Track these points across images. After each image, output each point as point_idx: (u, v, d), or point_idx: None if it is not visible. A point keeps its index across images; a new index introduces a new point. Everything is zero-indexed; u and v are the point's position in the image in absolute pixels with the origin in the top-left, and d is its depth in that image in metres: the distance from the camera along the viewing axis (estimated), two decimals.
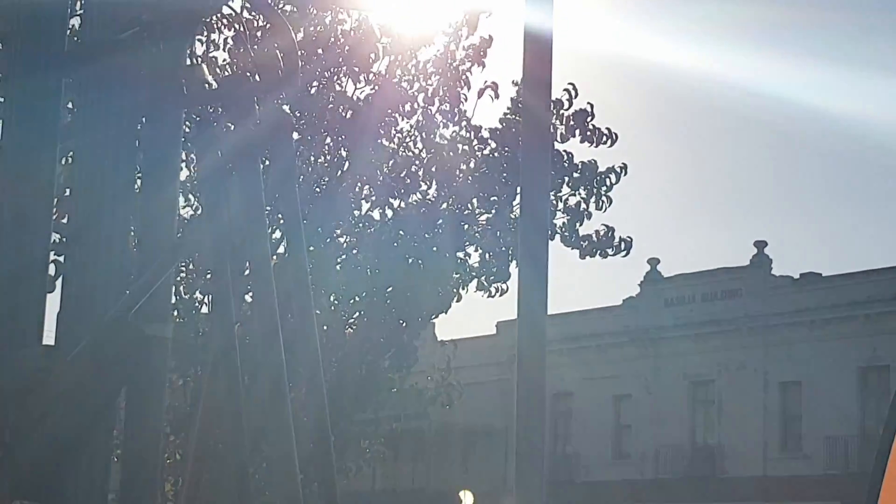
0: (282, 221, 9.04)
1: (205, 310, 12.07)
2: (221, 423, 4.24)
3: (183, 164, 9.42)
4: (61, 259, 8.16)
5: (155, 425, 4.87)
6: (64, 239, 6.81)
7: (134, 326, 4.33)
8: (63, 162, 5.80)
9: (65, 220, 5.99)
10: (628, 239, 13.18)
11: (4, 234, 4.75)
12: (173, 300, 11.07)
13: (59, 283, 4.89)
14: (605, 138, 12.96)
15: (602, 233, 13.14)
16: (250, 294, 4.24)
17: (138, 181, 4.81)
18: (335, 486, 3.96)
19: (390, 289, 12.62)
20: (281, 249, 9.31)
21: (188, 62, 4.52)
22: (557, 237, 13.08)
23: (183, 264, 11.59)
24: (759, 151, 76.71)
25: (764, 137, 76.71)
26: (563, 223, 13.11)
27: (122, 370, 4.39)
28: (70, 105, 5.36)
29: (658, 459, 41.90)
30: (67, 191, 4.85)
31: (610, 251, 13.16)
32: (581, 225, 13.15)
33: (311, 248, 11.65)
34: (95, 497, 4.50)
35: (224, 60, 11.19)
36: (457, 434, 44.83)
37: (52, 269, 7.12)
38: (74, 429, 4.24)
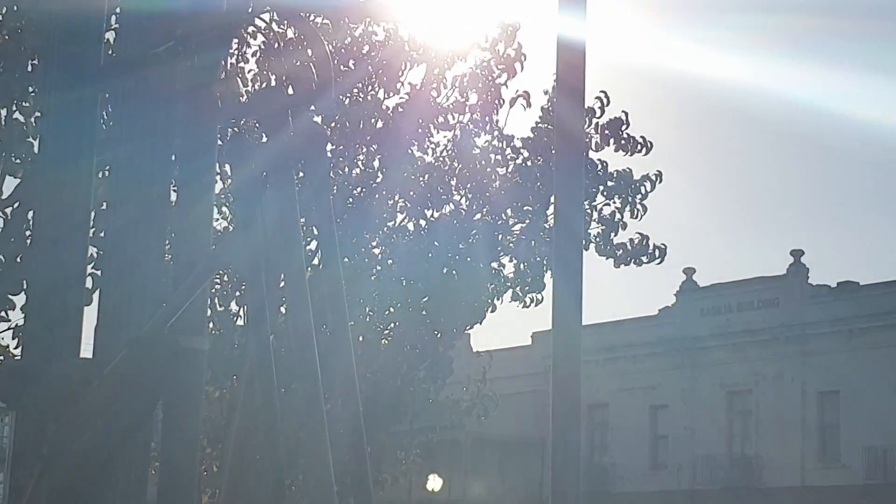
0: (316, 233, 9.06)
1: (240, 322, 12.11)
2: (257, 434, 4.24)
3: (218, 177, 9.46)
4: (98, 272, 8.22)
5: (192, 437, 4.89)
6: (101, 252, 6.86)
7: (170, 339, 4.35)
8: (100, 175, 5.84)
9: (102, 235, 6.03)
10: (663, 246, 13.12)
11: (42, 247, 4.78)
12: (209, 313, 11.12)
13: (95, 296, 4.92)
14: (639, 146, 12.93)
15: (637, 241, 13.09)
16: (285, 306, 4.23)
17: (174, 194, 4.84)
18: (371, 496, 3.96)
19: (425, 299, 12.62)
20: (315, 261, 9.33)
21: (222, 75, 4.54)
22: (592, 246, 13.04)
23: (218, 277, 11.64)
24: (795, 160, 76.29)
25: (800, 146, 76.32)
26: (598, 232, 13.08)
27: (159, 383, 4.40)
28: (106, 118, 5.39)
29: (695, 470, 41.65)
30: (104, 204, 4.88)
31: (645, 259, 13.11)
32: (616, 234, 13.11)
33: (346, 260, 11.67)
34: None
35: (251, 71, 11.23)
36: (493, 445, 44.74)
37: (89, 282, 7.15)
38: (112, 441, 4.26)
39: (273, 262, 4.05)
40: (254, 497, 4.37)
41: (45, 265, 4.69)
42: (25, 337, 5.29)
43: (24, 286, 9.61)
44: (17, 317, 10.91)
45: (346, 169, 12.19)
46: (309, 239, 9.33)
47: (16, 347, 10.85)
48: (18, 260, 10.46)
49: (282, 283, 4.22)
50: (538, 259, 12.78)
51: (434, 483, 39.61)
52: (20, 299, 10.35)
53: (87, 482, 4.27)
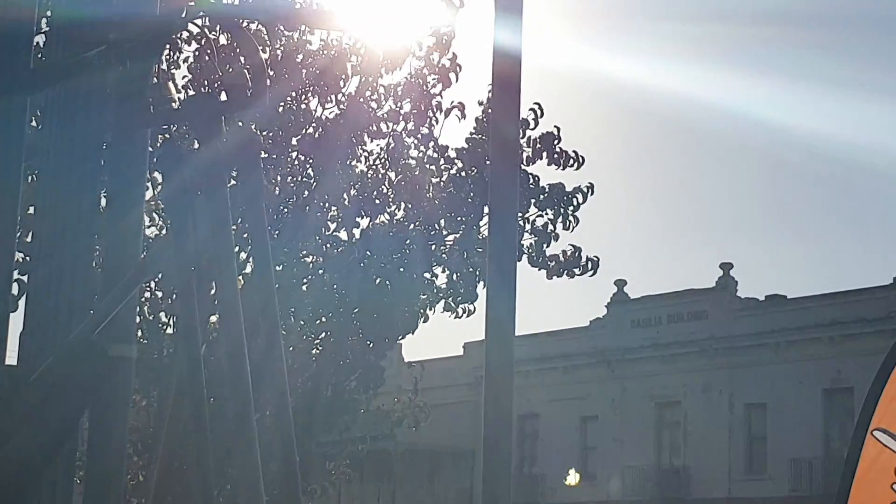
0: (249, 241, 9.00)
1: (170, 331, 12.00)
2: (186, 444, 4.19)
3: (148, 184, 9.38)
4: (24, 278, 8.10)
5: (118, 446, 4.83)
6: (27, 258, 6.76)
7: (98, 347, 4.29)
8: (28, 180, 5.75)
9: (28, 239, 5.95)
10: (595, 259, 13.21)
11: None
12: (138, 321, 11.00)
13: (21, 302, 4.84)
14: (571, 161, 13.00)
15: (569, 253, 13.15)
16: (217, 315, 4.19)
17: (103, 200, 4.78)
18: None
19: (357, 309, 12.58)
20: (248, 269, 9.27)
21: (154, 81, 4.49)
22: (524, 258, 13.08)
23: (147, 285, 11.52)
24: (725, 172, 77.19)
25: (731, 158, 77.22)
26: (531, 244, 13.12)
27: (87, 390, 4.34)
28: (34, 123, 5.32)
29: (624, 480, 41.92)
30: (31, 209, 4.81)
31: (577, 271, 13.18)
32: (548, 246, 13.16)
33: (279, 268, 11.61)
34: None
35: (185, 77, 11.16)
36: (424, 455, 44.74)
37: (15, 288, 7.05)
38: (37, 450, 4.19)
39: (204, 271, 4.01)
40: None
41: None
42: None
43: None
44: None
45: (279, 178, 12.13)
46: (241, 247, 9.27)
47: None
48: None
49: (213, 291, 4.18)
50: (471, 270, 12.79)
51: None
52: None
53: (13, 491, 4.20)
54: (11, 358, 4.63)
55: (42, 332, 4.43)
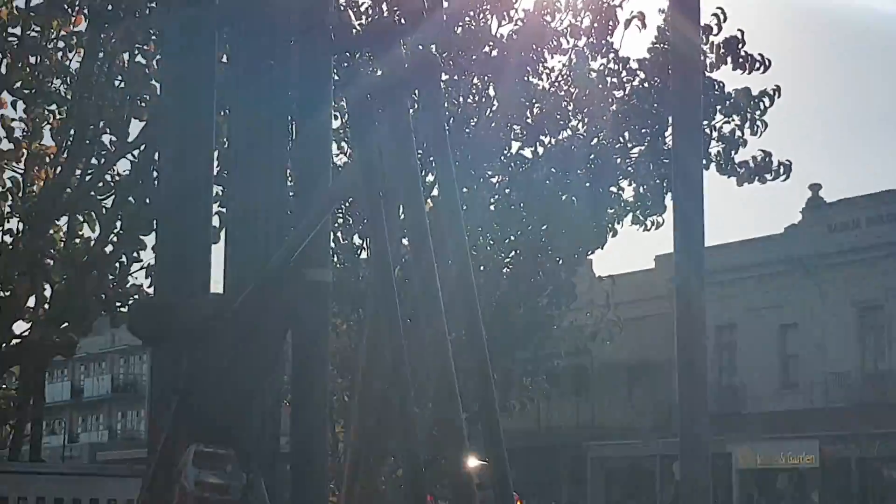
0: (434, 164, 9.11)
1: (364, 255, 12.24)
2: (384, 364, 4.31)
3: (336, 113, 9.54)
4: (223, 210, 8.39)
5: (321, 369, 5.00)
6: (224, 190, 7.00)
7: (296, 272, 4.44)
8: (221, 114, 5.95)
9: (225, 174, 6.16)
10: (787, 163, 12.88)
11: (169, 188, 4.91)
12: (332, 246, 11.27)
13: (222, 234, 5.04)
14: (757, 65, 12.66)
15: (759, 158, 12.87)
16: (406, 237, 4.27)
17: (293, 130, 4.91)
18: (499, 423, 4.02)
19: (545, 227, 12.60)
20: (434, 192, 9.37)
21: (333, 8, 4.57)
22: (713, 166, 12.86)
23: (339, 210, 11.77)
24: None
25: None
26: (718, 152, 12.89)
27: (287, 315, 4.50)
28: (224, 59, 5.49)
29: (827, 388, 41.12)
30: (226, 143, 4.98)
31: (769, 176, 12.87)
32: (737, 152, 12.90)
33: (465, 190, 11.70)
34: (268, 440, 4.65)
35: (363, 3, 11.24)
36: (620, 369, 44.70)
37: (215, 221, 7.30)
38: (246, 374, 4.37)
39: (391, 194, 4.10)
40: (384, 424, 4.45)
41: (173, 206, 4.81)
42: (157, 275, 5.45)
43: (154, 227, 9.89)
44: (148, 256, 11.23)
45: (461, 98, 12.18)
46: (426, 170, 9.37)
47: (149, 286, 11.16)
48: (147, 202, 10.74)
49: (402, 216, 4.27)
50: (658, 181, 12.65)
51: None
52: (150, 240, 10.64)
53: (223, 415, 4.39)
54: (217, 287, 4.84)
55: (242, 263, 4.61)
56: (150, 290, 11.07)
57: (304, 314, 4.62)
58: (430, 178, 9.46)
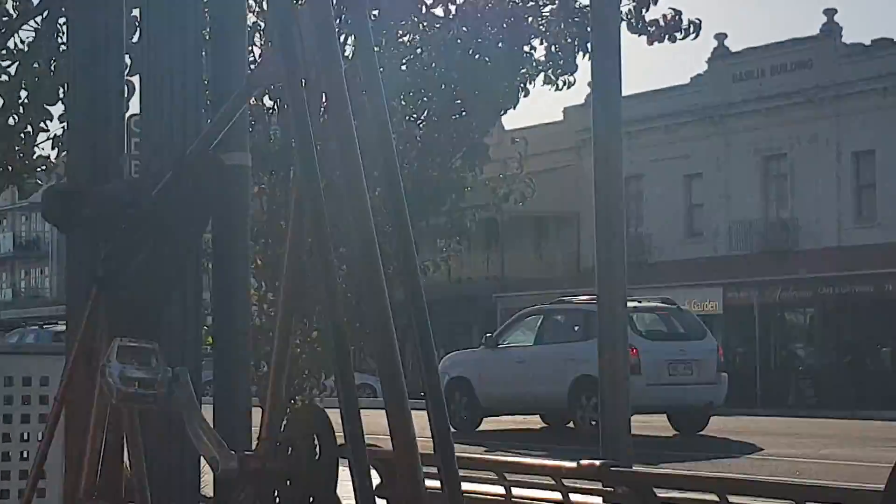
0: (348, 23, 8.94)
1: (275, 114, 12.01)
2: (304, 229, 4.19)
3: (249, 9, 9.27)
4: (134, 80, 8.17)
5: (242, 251, 4.96)
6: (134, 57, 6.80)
7: (215, 157, 4.35)
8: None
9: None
10: (697, 21, 12.86)
11: (80, 58, 4.75)
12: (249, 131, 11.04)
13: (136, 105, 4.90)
14: None
15: (669, 17, 12.83)
16: (326, 104, 4.15)
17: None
18: (419, 281, 4.00)
19: (458, 87, 12.50)
20: (347, 53, 9.20)
21: None
22: (623, 24, 12.78)
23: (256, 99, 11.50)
24: None
25: None
26: (630, 9, 12.81)
27: (209, 200, 4.42)
28: None
29: (731, 236, 41.97)
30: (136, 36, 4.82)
31: (679, 35, 12.86)
32: (647, 10, 12.83)
33: (377, 49, 11.50)
34: (192, 328, 4.62)
35: None
36: (529, 221, 45.13)
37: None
38: (169, 261, 4.30)
39: (314, 82, 3.99)
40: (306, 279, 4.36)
41: (83, 90, 4.67)
42: (70, 154, 5.30)
43: (61, 96, 9.62)
44: (54, 127, 10.95)
45: None
46: (340, 29, 9.17)
47: (56, 157, 10.91)
48: (52, 69, 10.42)
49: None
50: (570, 41, 12.56)
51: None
52: (56, 110, 10.37)
53: (144, 302, 4.33)
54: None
55: (158, 149, 4.51)
56: (57, 161, 10.86)
57: (224, 199, 4.55)
58: (349, 43, 9.28)
